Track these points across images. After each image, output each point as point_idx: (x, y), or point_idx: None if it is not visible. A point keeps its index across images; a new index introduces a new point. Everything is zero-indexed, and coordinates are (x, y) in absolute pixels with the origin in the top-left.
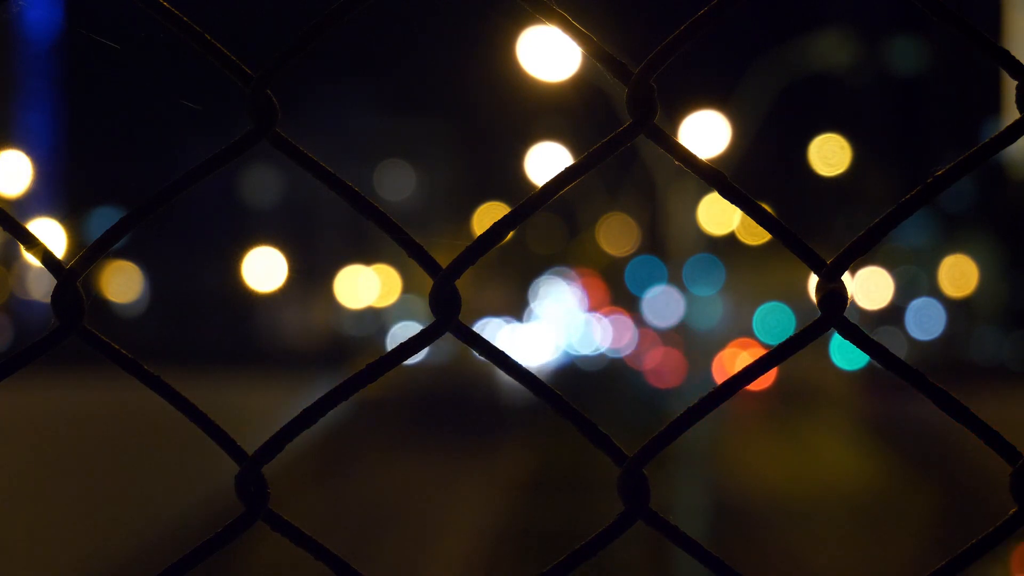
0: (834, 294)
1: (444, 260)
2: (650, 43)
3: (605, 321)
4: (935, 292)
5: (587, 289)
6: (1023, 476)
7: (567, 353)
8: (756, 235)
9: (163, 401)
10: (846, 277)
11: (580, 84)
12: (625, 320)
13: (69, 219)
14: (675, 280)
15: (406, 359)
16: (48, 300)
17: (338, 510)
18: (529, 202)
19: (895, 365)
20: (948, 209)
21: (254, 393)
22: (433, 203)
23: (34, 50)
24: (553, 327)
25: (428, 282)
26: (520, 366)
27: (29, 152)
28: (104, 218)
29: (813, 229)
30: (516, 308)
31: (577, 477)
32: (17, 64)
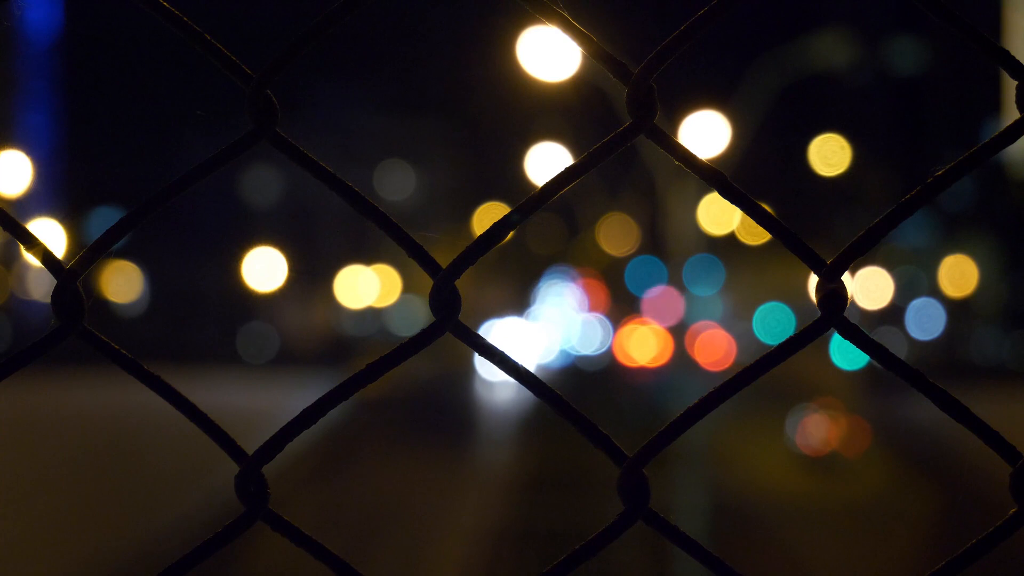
0: (834, 294)
1: (444, 260)
2: (650, 43)
3: (601, 319)
4: (935, 292)
5: (587, 289)
6: (1023, 476)
7: (567, 353)
8: (756, 235)
9: (163, 401)
10: (846, 277)
11: (580, 84)
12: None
13: (69, 219)
14: (675, 280)
15: (406, 359)
16: (48, 300)
17: (338, 510)
18: (529, 202)
19: (895, 365)
20: (948, 209)
21: (254, 393)
22: (433, 203)
23: (34, 50)
24: (553, 327)
25: (428, 282)
26: (520, 366)
27: (29, 152)
28: (104, 218)
29: (813, 229)
30: (516, 308)
31: (577, 477)
32: (17, 64)
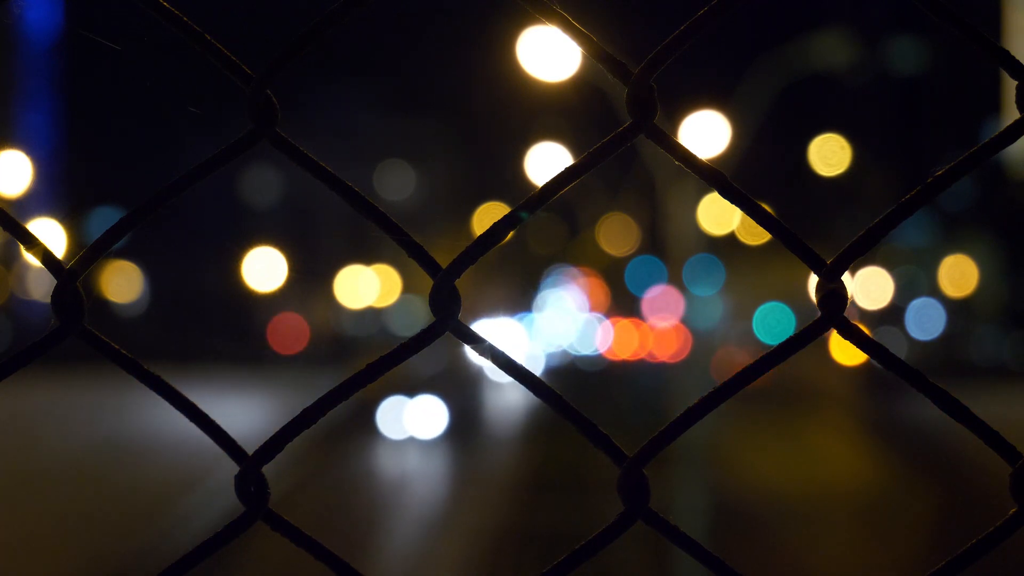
0: (834, 294)
1: (444, 260)
2: (650, 43)
3: (601, 318)
4: (935, 292)
5: (587, 289)
6: (1023, 476)
7: (567, 353)
8: (756, 235)
9: (163, 401)
10: (846, 277)
11: (580, 84)
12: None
13: (69, 219)
14: (675, 280)
15: (406, 359)
16: (48, 300)
17: (338, 510)
18: (529, 202)
19: (895, 365)
20: (948, 209)
21: (254, 393)
22: (433, 203)
23: (34, 50)
24: (553, 327)
25: (428, 282)
26: (520, 366)
27: (29, 152)
28: (104, 218)
29: (813, 229)
30: (516, 308)
31: (577, 477)
32: (17, 64)
